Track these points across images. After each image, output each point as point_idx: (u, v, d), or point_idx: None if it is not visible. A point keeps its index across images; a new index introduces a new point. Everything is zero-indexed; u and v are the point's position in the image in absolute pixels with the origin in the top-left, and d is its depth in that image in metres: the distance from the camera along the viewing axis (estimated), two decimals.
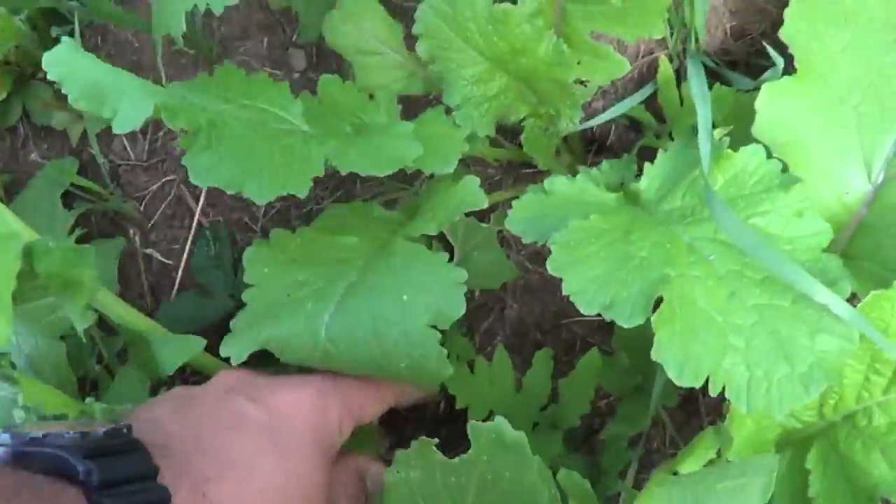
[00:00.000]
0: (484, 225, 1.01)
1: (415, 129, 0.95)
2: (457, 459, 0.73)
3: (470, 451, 0.74)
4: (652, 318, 0.72)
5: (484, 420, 0.88)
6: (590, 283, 0.76)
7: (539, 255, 1.09)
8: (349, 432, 0.81)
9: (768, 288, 0.75)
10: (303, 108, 0.93)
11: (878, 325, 0.76)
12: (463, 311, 0.82)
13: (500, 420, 0.75)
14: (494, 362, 1.00)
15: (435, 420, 1.11)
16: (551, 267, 0.77)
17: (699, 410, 1.05)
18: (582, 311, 0.75)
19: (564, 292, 0.76)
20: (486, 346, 1.12)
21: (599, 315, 0.73)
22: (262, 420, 0.73)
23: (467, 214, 0.91)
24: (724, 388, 0.74)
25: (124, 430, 0.63)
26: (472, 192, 0.94)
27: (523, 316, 1.13)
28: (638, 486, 1.00)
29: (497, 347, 1.03)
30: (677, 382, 0.73)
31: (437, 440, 0.72)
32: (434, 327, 0.82)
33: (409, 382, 0.83)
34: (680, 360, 0.73)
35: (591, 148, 1.11)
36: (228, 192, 0.78)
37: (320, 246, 0.93)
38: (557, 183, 0.90)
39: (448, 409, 1.06)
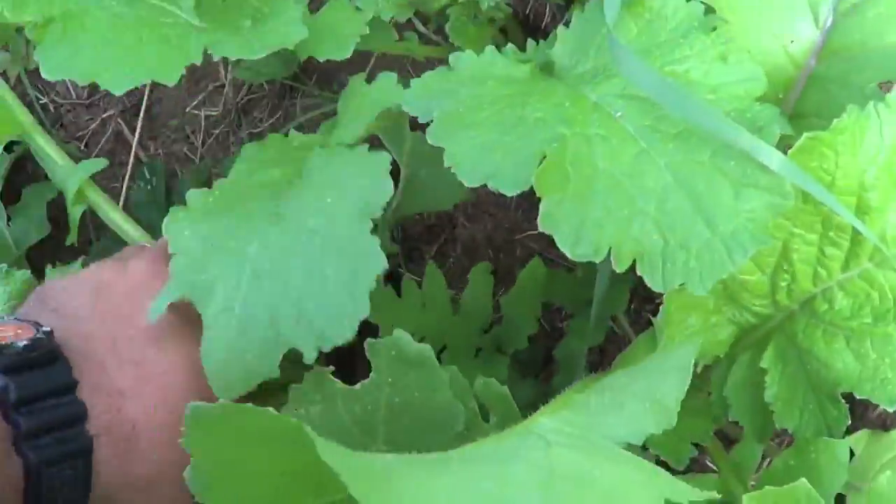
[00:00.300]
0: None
1: (318, 19, 0.84)
2: (358, 385, 0.64)
3: (371, 374, 0.64)
4: (534, 181, 0.60)
5: None
6: (473, 149, 0.64)
7: None
8: None
9: (684, 142, 0.63)
10: (198, 2, 0.82)
11: (821, 177, 0.62)
12: (390, 194, 0.70)
13: (399, 334, 0.64)
14: (426, 282, 0.91)
15: None
16: (431, 136, 0.65)
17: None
18: (466, 183, 0.63)
19: (446, 163, 0.64)
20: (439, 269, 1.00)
21: None
22: (181, 332, 0.68)
23: (413, 129, 0.79)
24: (634, 264, 0.61)
25: (44, 338, 0.61)
26: (388, 89, 0.82)
27: (475, 234, 1.03)
28: None
29: (427, 267, 0.92)
30: (572, 255, 0.61)
31: (331, 367, 0.63)
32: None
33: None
34: (575, 229, 0.61)
35: (536, 39, 0.98)
36: (80, 84, 0.68)
37: (239, 191, 0.81)
38: (464, 58, 0.77)
39: None
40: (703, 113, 0.62)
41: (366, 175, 0.70)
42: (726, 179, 0.61)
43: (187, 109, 1.12)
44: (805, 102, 0.71)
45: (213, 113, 1.11)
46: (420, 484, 0.45)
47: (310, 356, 0.64)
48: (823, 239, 0.66)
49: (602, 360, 0.96)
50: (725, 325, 0.74)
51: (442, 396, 0.65)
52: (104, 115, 1.17)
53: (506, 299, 0.92)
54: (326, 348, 0.63)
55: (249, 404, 0.48)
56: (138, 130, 1.14)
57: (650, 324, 0.89)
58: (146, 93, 1.14)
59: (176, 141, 1.14)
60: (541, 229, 0.62)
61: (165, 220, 0.73)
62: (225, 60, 1.12)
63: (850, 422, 0.67)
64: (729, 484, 0.75)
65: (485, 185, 0.81)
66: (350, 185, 0.70)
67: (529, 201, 0.97)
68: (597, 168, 0.63)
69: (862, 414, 0.88)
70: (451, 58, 0.77)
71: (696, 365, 0.81)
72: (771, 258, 0.68)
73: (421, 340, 0.81)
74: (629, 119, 0.65)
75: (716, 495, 0.52)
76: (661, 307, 0.70)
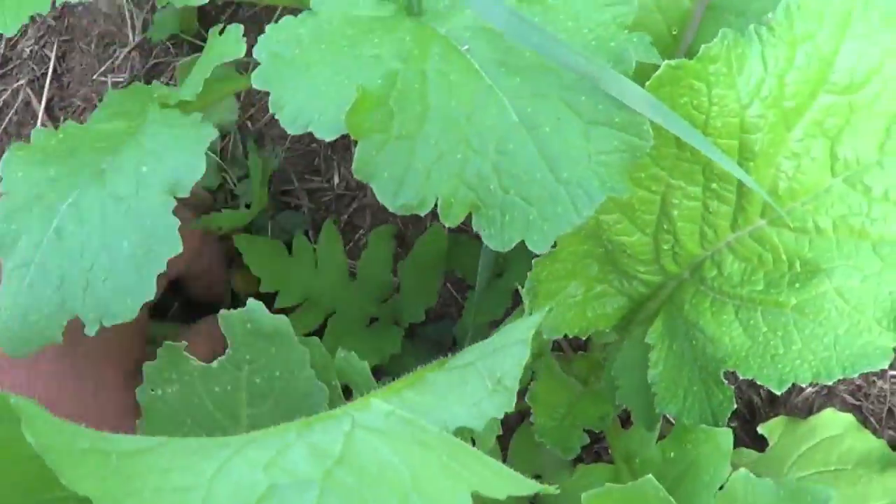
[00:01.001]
0: None
1: None
2: (215, 363, 0.58)
3: (228, 350, 0.58)
4: (346, 121, 0.52)
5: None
6: (300, 93, 0.55)
7: None
8: None
9: (532, 77, 0.54)
10: None
11: (691, 115, 0.52)
12: (201, 173, 0.61)
13: (252, 304, 0.57)
14: (321, 240, 0.85)
15: None
16: (256, 78, 0.57)
17: None
18: (289, 132, 0.55)
19: (271, 110, 0.56)
20: (348, 243, 0.93)
21: None
22: None
23: None
24: (468, 218, 0.53)
25: None
26: (231, 42, 0.72)
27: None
28: None
29: (325, 224, 0.84)
30: (392, 207, 0.52)
31: (184, 343, 0.57)
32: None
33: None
34: (397, 176, 0.53)
35: None
36: None
37: (82, 138, 0.73)
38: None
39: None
40: (547, 42, 0.52)
41: (184, 150, 0.62)
42: (576, 117, 0.52)
43: (94, 77, 1.04)
44: (703, 38, 0.61)
45: (120, 79, 1.03)
46: (172, 477, 0.38)
47: (91, 329, 0.56)
48: (706, 192, 0.56)
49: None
50: (613, 296, 0.64)
51: (303, 375, 0.58)
52: (15, 85, 1.09)
53: (403, 267, 0.85)
54: (107, 324, 0.56)
55: None
56: (44, 100, 1.06)
57: None
58: (52, 62, 1.05)
59: (86, 109, 1.06)
60: (356, 176, 0.53)
61: (5, 155, 0.65)
62: (133, 22, 1.04)
63: (734, 406, 0.55)
64: (621, 474, 0.65)
65: None
66: (167, 157, 0.62)
67: None
68: (429, 106, 0.54)
69: (786, 399, 0.77)
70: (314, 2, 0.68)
71: (588, 342, 0.73)
72: (649, 215, 0.58)
73: (309, 304, 0.79)
74: (476, 53, 0.56)
75: None
76: (528, 273, 0.60)
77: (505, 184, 0.52)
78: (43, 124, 1.07)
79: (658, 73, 0.51)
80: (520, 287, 0.61)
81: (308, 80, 0.56)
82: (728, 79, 0.52)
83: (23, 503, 0.42)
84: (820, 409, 0.76)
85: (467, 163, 0.53)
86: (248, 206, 0.88)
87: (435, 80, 0.55)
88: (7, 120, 1.09)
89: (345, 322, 0.83)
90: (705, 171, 0.56)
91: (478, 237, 0.78)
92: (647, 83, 0.51)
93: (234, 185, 0.91)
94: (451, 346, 0.88)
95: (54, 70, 1.08)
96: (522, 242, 0.52)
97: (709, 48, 0.51)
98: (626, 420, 0.76)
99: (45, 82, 1.08)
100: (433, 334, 0.87)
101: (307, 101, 0.55)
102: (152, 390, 0.58)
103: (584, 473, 0.67)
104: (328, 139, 0.54)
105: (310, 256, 0.84)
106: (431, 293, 0.83)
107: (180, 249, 0.58)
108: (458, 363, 0.55)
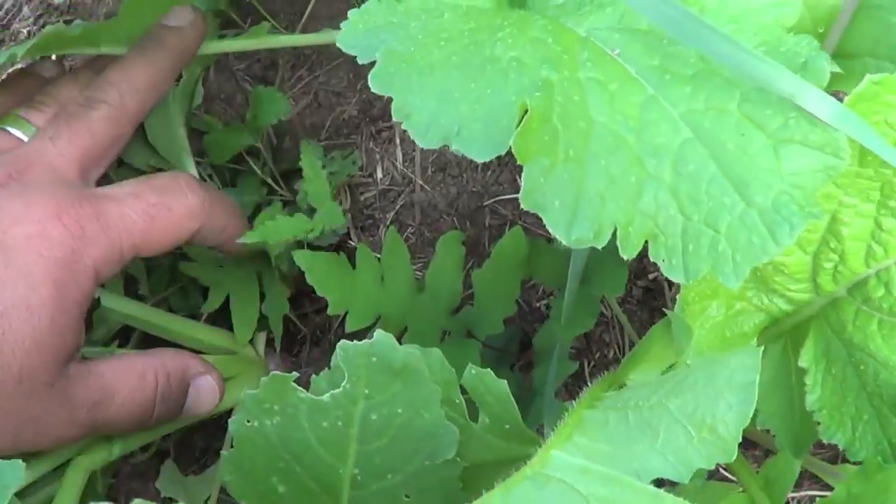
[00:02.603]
0: None
1: None
2: (327, 396, 0.54)
3: (344, 383, 0.54)
4: (514, 144, 0.46)
5: (369, 329, 0.75)
6: (428, 99, 0.49)
7: None
8: (111, 274, 0.64)
9: (704, 86, 0.48)
10: None
11: (884, 132, 0.47)
12: None
13: (380, 336, 0.54)
14: (385, 251, 0.78)
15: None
16: (374, 82, 0.50)
17: (666, 306, 0.83)
18: (420, 144, 0.49)
19: (395, 116, 0.49)
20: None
21: None
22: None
23: None
24: (646, 247, 0.48)
25: None
26: None
27: (436, 199, 0.89)
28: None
29: (388, 231, 0.79)
30: (567, 240, 0.46)
31: (294, 374, 0.54)
32: None
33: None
34: (569, 205, 0.47)
35: None
36: None
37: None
38: None
39: None
40: (728, 45, 0.46)
41: None
42: (762, 133, 0.47)
43: None
44: (854, 38, 0.56)
45: None
46: None
47: None
48: (881, 209, 0.52)
49: (588, 346, 0.83)
50: (752, 314, 0.59)
51: (431, 414, 0.55)
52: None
53: (479, 276, 0.79)
54: None
55: None
56: None
57: (645, 303, 0.76)
58: None
59: None
60: (524, 207, 0.47)
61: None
62: None
63: None
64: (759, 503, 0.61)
65: None
66: None
67: (500, 158, 0.82)
68: (593, 122, 0.49)
69: None
70: None
71: None
72: (814, 234, 0.53)
73: (377, 321, 0.77)
74: (630, 58, 0.50)
75: None
76: (678, 296, 0.55)
77: (687, 210, 0.47)
78: None
79: (860, 88, 0.46)
80: (667, 311, 0.56)
81: (435, 85, 0.50)
82: None
83: None
84: None
85: (642, 187, 0.47)
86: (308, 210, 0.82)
87: (593, 92, 0.49)
88: None
89: (418, 338, 0.78)
90: (884, 188, 0.51)
91: (550, 240, 0.74)
92: (847, 98, 0.46)
93: (280, 185, 0.83)
94: (517, 353, 0.84)
95: None
96: (605, 247, 0.47)
97: None
98: None
99: None
100: (496, 342, 0.83)
101: (440, 111, 0.49)
102: (248, 422, 0.55)
103: (710, 495, 0.63)
104: (480, 160, 0.48)
105: (375, 268, 0.78)
106: (510, 302, 0.78)
107: None
108: (629, 401, 0.51)
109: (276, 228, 0.73)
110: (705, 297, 0.57)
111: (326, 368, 0.55)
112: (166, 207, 0.65)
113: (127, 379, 0.65)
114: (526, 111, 0.48)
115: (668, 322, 0.59)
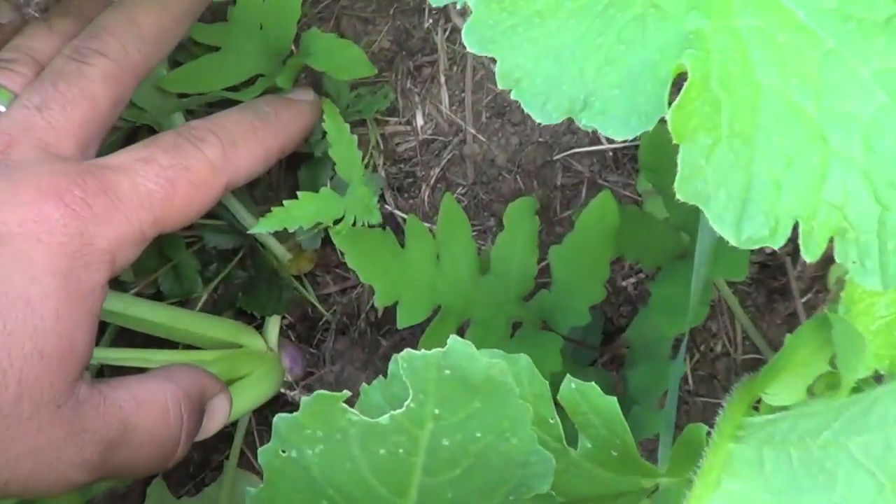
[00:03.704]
0: None
1: None
2: (386, 419, 0.53)
3: (408, 402, 0.52)
4: (670, 119, 0.44)
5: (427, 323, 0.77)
6: (543, 60, 0.47)
7: None
8: (131, 257, 0.64)
9: None
10: None
11: None
12: None
13: (456, 344, 0.51)
14: (441, 223, 0.79)
15: (373, 331, 0.90)
16: (470, 38, 0.47)
17: (789, 288, 0.79)
18: (538, 118, 0.46)
19: (500, 83, 0.46)
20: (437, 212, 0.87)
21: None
22: None
23: None
24: (830, 243, 0.47)
25: None
26: None
27: (492, 153, 0.87)
28: (692, 418, 0.80)
29: (444, 197, 0.78)
30: (737, 240, 0.45)
31: (346, 392, 0.53)
32: None
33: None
34: (737, 195, 0.45)
35: None
36: None
37: None
38: None
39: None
40: None
41: None
42: None
43: None
44: None
45: None
46: None
47: None
48: None
49: (690, 336, 0.82)
50: None
51: (519, 440, 0.53)
52: None
53: (558, 253, 0.79)
54: None
55: None
56: None
57: (761, 283, 0.76)
58: None
59: None
60: (682, 196, 0.45)
61: None
62: None
63: None
64: None
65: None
66: None
67: None
68: (760, 87, 0.46)
69: None
70: None
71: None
72: None
73: (434, 312, 0.77)
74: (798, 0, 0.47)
75: None
76: (841, 293, 0.54)
77: (884, 197, 0.46)
78: None
79: None
80: (829, 305, 0.56)
81: (549, 39, 0.48)
82: None
83: None
84: None
85: (827, 169, 0.46)
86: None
87: (757, 46, 0.47)
88: None
89: (484, 332, 0.78)
90: None
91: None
92: None
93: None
94: (599, 347, 0.84)
95: None
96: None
97: None
98: None
99: None
100: (573, 333, 0.82)
101: (560, 74, 0.47)
102: (283, 452, 0.54)
103: None
104: (619, 137, 0.46)
105: (429, 247, 0.77)
106: (597, 286, 0.77)
107: None
108: (788, 434, 0.50)
109: (298, 212, 0.72)
110: (875, 292, 0.55)
111: (380, 377, 0.54)
112: (183, 168, 0.65)
113: (148, 412, 0.64)
114: (679, 74, 0.46)
115: (820, 322, 0.58)
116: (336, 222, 0.72)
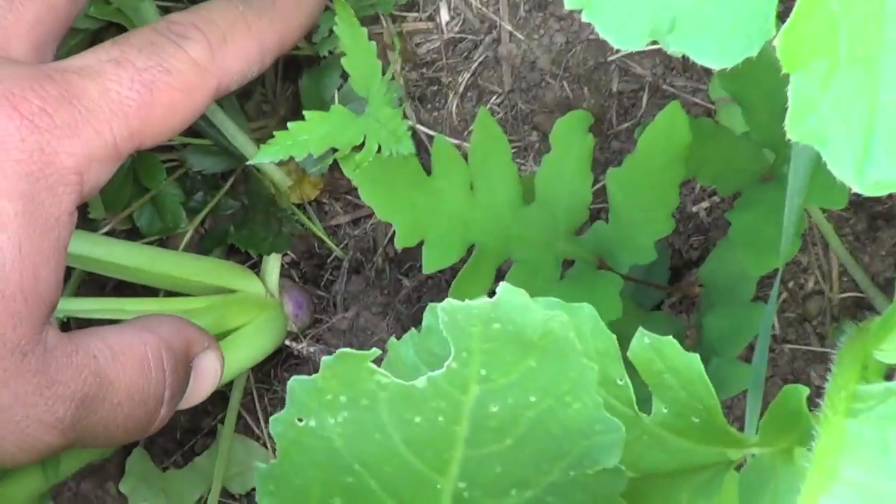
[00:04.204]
0: None
1: None
2: (422, 381, 0.53)
3: (449, 361, 0.53)
4: (780, 43, 0.45)
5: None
6: None
7: None
8: (103, 178, 0.64)
9: None
10: None
11: None
12: None
13: (507, 293, 0.52)
14: (473, 144, 0.78)
15: (393, 268, 0.91)
16: None
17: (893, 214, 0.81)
18: (615, 43, 0.48)
19: (568, 5, 0.46)
20: (467, 126, 0.88)
21: None
22: None
23: None
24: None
25: None
26: None
27: (533, 54, 0.87)
28: (780, 369, 0.80)
29: (479, 112, 0.78)
30: (858, 184, 0.45)
31: (375, 351, 0.53)
32: None
33: None
34: (859, 131, 0.47)
35: None
36: None
37: None
38: None
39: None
40: None
41: None
42: None
43: None
44: None
45: None
46: None
47: None
48: None
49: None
50: None
51: (582, 405, 0.54)
52: None
53: (616, 176, 0.79)
54: None
55: None
56: None
57: (862, 208, 0.80)
58: None
59: None
60: (793, 136, 0.46)
61: None
62: None
63: None
64: None
65: None
66: None
67: None
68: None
69: None
70: None
71: None
72: None
73: (475, 255, 0.79)
74: None
75: None
76: None
77: None
78: None
79: None
80: None
81: None
82: None
83: None
84: None
85: None
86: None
87: None
88: None
89: (528, 275, 0.79)
90: None
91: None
92: None
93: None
94: (666, 286, 0.85)
95: None
96: None
97: None
98: None
99: None
100: (635, 272, 0.83)
101: None
102: (300, 420, 0.55)
103: None
104: (716, 66, 0.48)
105: (461, 173, 0.77)
106: (664, 217, 0.78)
107: None
108: None
109: (305, 136, 0.72)
110: None
111: (413, 331, 0.56)
112: (163, 70, 0.64)
113: (126, 364, 0.65)
114: None
115: None
116: (354, 149, 0.72)
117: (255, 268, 0.88)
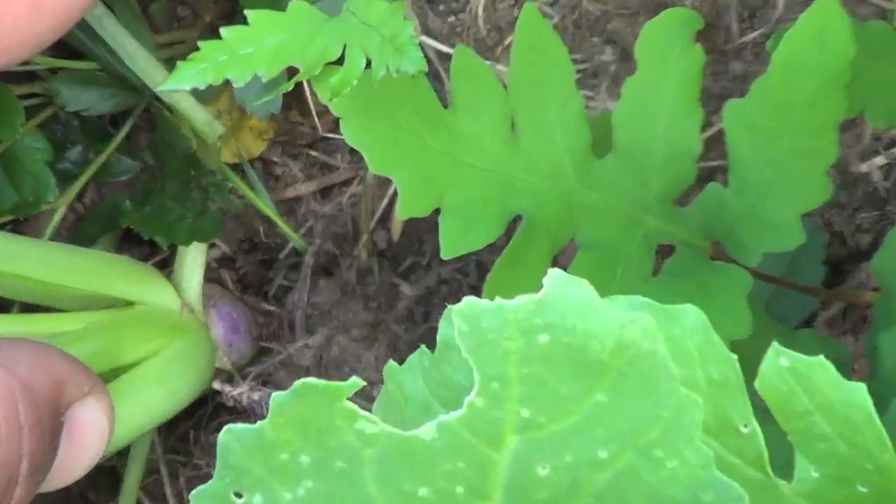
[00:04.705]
0: None
1: None
2: (429, 428, 0.52)
3: (471, 395, 0.51)
4: None
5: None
6: None
7: None
8: None
9: None
10: None
11: None
12: None
13: (557, 280, 0.49)
14: (513, 62, 0.75)
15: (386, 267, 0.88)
16: None
17: None
18: None
19: None
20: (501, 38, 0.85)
21: None
22: None
23: None
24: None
25: None
26: None
27: None
28: None
29: (522, 11, 0.74)
30: None
31: (356, 381, 0.50)
32: None
33: None
34: None
35: None
36: None
37: None
38: None
39: None
40: None
41: None
42: None
43: None
44: None
45: None
46: None
47: None
48: None
49: None
50: None
51: (683, 463, 0.52)
52: None
53: (739, 113, 0.75)
54: None
55: None
56: None
57: None
58: None
59: None
60: None
61: None
62: None
63: None
64: None
65: None
66: None
67: None
68: None
69: None
70: None
71: None
72: None
73: (511, 227, 0.80)
74: None
75: None
76: None
77: None
78: None
79: None
80: None
81: None
82: None
83: None
84: None
85: None
86: None
87: None
88: None
89: (602, 264, 0.77)
90: None
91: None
92: None
93: None
94: (820, 289, 0.85)
95: None
96: None
97: None
98: None
99: None
100: (769, 265, 0.83)
101: None
102: (237, 495, 0.54)
103: None
104: None
105: (496, 105, 0.74)
106: (817, 177, 0.74)
107: None
108: None
109: (248, 51, 0.69)
110: None
111: (422, 349, 0.54)
112: None
113: None
114: None
115: None
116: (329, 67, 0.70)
117: (166, 267, 0.86)
